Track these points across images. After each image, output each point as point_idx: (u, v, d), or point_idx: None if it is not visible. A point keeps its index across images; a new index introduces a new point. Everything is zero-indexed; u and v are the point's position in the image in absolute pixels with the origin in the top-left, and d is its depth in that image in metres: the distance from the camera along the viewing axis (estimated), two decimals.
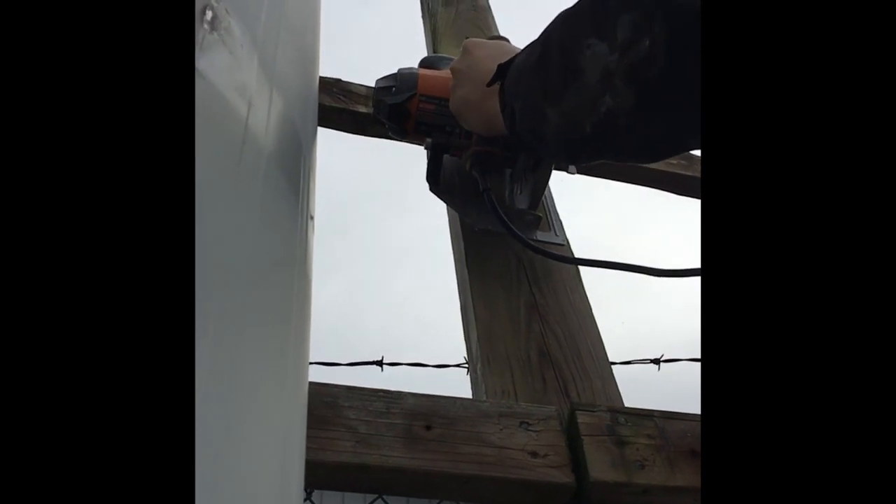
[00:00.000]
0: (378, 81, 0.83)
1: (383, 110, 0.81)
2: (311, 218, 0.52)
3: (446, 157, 0.81)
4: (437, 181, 0.82)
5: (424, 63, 0.86)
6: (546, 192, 0.86)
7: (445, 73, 0.79)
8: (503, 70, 0.64)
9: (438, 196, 0.83)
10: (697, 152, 1.13)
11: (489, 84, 0.65)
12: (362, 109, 0.94)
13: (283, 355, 0.38)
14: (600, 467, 0.57)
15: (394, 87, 0.80)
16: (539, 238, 0.82)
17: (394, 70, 0.83)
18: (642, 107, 0.51)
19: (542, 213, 0.85)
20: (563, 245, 0.84)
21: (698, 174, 1.09)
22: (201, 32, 0.35)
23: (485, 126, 0.71)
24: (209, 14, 0.37)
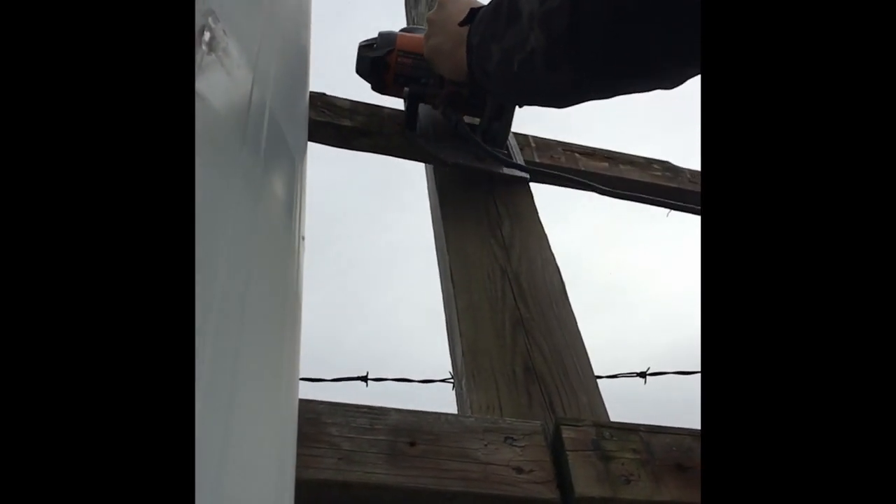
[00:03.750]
0: (361, 42, 0.92)
1: (365, 64, 0.91)
2: (303, 238, 0.52)
3: (422, 108, 0.93)
4: (414, 127, 0.93)
5: (403, 30, 0.95)
6: (510, 138, 0.97)
7: (421, 35, 0.88)
8: (473, 14, 0.74)
9: (415, 140, 0.92)
10: (682, 164, 1.14)
11: (461, 24, 0.75)
12: (346, 123, 0.94)
13: (277, 376, 0.38)
14: (585, 482, 0.57)
15: (375, 44, 0.91)
16: (505, 172, 0.94)
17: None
18: (551, 52, 0.60)
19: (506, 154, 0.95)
20: (527, 177, 0.95)
21: (683, 185, 1.09)
22: (199, 53, 0.35)
23: (454, 71, 0.80)
24: (207, 35, 0.37)
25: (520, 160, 0.97)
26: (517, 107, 0.91)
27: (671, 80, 0.62)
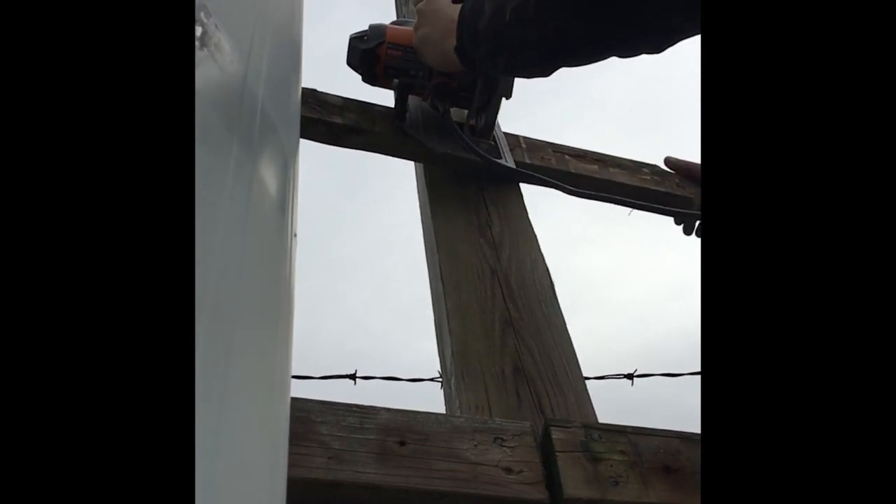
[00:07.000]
0: (352, 34, 0.95)
1: (356, 55, 0.94)
2: (295, 235, 0.51)
3: (412, 100, 0.95)
4: (404, 118, 0.95)
5: (394, 23, 0.97)
6: (496, 130, 1.00)
7: (410, 27, 0.91)
8: None
9: (405, 129, 0.95)
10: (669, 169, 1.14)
11: (454, 1, 0.79)
12: (337, 120, 0.93)
13: (270, 374, 0.38)
14: (574, 484, 0.57)
15: (365, 36, 0.94)
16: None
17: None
18: (540, 4, 0.65)
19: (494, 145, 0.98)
20: (512, 167, 0.96)
21: (672, 190, 1.09)
22: None
23: (442, 61, 0.83)
24: (199, 30, 0.37)
25: (506, 152, 0.98)
26: (504, 98, 0.92)
27: (656, 37, 0.65)
